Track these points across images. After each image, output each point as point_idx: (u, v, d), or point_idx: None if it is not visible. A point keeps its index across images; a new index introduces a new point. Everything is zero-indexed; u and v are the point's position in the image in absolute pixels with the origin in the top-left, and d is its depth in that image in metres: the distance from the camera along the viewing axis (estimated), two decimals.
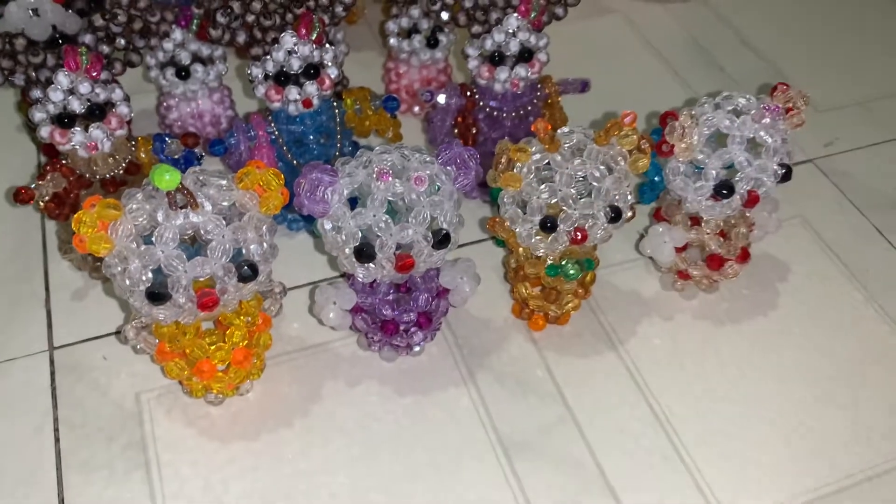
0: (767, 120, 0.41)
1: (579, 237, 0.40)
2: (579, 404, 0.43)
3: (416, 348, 0.44)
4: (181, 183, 0.33)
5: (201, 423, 0.42)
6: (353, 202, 0.38)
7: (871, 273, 0.50)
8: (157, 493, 0.39)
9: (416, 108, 0.58)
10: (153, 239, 0.34)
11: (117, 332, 0.45)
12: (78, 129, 0.42)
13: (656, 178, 0.45)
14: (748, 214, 0.46)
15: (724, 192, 0.42)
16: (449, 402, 0.43)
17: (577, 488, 0.40)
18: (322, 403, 0.43)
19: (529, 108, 0.50)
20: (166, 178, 0.32)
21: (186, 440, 0.41)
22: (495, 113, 0.49)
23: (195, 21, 0.50)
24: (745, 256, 0.47)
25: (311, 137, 0.47)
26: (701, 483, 0.40)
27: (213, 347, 0.39)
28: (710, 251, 0.46)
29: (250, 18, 0.42)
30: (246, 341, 0.39)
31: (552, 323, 0.46)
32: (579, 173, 0.39)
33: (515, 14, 0.46)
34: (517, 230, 0.41)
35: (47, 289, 0.48)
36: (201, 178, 0.36)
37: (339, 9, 0.45)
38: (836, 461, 0.41)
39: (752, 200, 0.43)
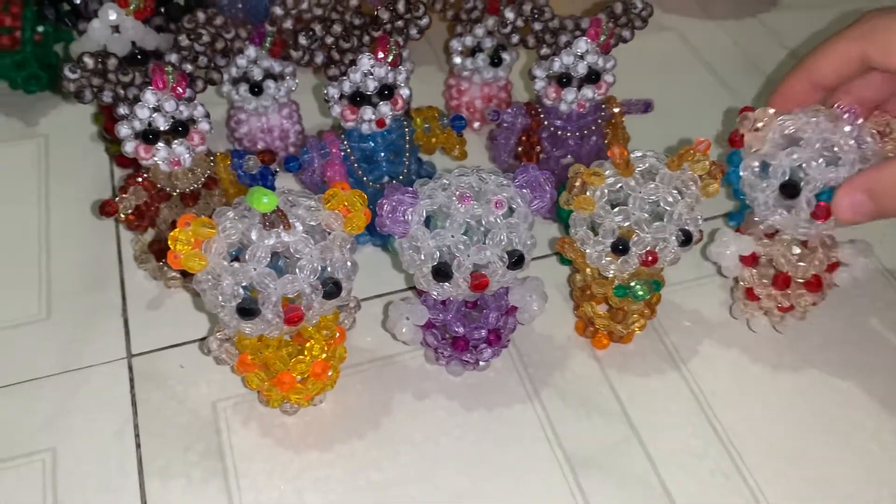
0: (850, 129, 0.40)
1: (650, 260, 0.41)
2: (643, 423, 0.44)
3: (483, 363, 0.45)
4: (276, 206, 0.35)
5: (276, 433, 0.43)
6: (427, 220, 0.40)
7: None
8: (235, 502, 0.40)
9: (476, 125, 0.59)
10: (246, 257, 0.35)
11: (202, 340, 0.46)
12: (162, 144, 0.43)
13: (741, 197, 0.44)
14: (829, 242, 0.45)
15: (791, 192, 0.40)
16: (514, 418, 0.44)
17: None
18: (391, 415, 0.44)
19: (593, 127, 0.51)
20: (264, 200, 0.34)
21: (262, 449, 0.42)
22: (559, 132, 0.50)
23: (269, 38, 0.51)
24: (815, 285, 0.45)
25: (382, 155, 0.48)
26: (762, 502, 0.41)
27: (293, 360, 0.40)
28: (778, 268, 0.45)
29: (329, 40, 0.44)
30: (325, 354, 0.41)
31: (615, 342, 0.47)
32: (651, 197, 0.40)
33: (585, 38, 0.47)
34: (587, 251, 0.42)
35: (124, 298, 0.49)
36: (291, 198, 0.37)
37: (413, 31, 0.46)
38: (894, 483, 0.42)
39: (821, 213, 0.40)
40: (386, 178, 0.49)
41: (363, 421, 0.44)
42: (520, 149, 0.52)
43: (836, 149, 0.40)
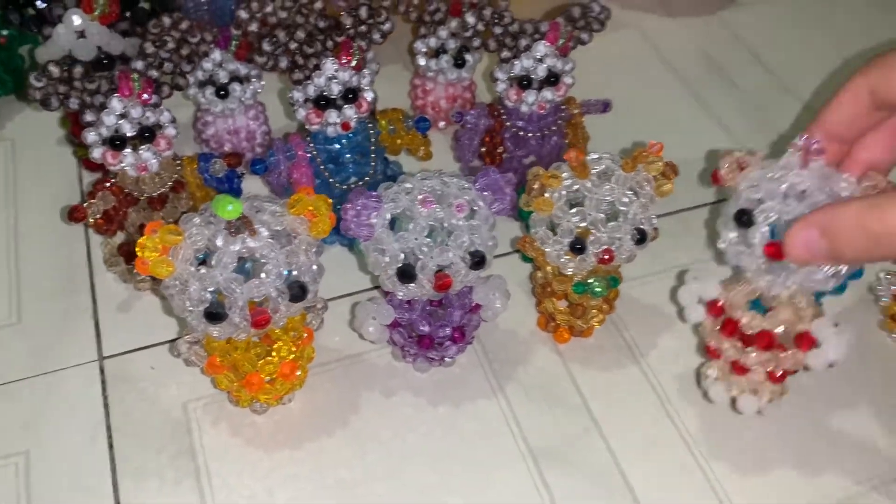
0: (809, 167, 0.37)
1: (607, 258, 0.42)
2: (604, 415, 0.45)
3: (449, 360, 0.46)
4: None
5: (246, 432, 0.44)
6: (392, 221, 0.41)
7: None
8: (207, 501, 0.41)
9: (441, 124, 0.60)
10: (213, 263, 0.36)
11: (172, 342, 0.47)
12: (129, 150, 0.44)
13: None
14: (803, 305, 0.39)
15: (745, 220, 0.37)
16: (480, 413, 0.45)
17: (603, 496, 0.42)
18: (359, 413, 0.45)
19: (553, 128, 0.52)
20: (229, 208, 0.35)
21: (232, 449, 0.43)
22: (521, 133, 0.51)
23: (234, 42, 0.51)
24: (766, 342, 0.39)
25: (348, 156, 0.49)
26: (720, 493, 0.43)
27: (261, 361, 0.41)
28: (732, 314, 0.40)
29: (293, 46, 0.44)
30: (293, 355, 0.42)
31: (576, 336, 0.49)
32: (607, 198, 0.42)
33: (544, 41, 0.48)
34: (547, 250, 0.44)
35: (94, 301, 0.50)
36: (256, 204, 0.38)
37: (376, 35, 0.46)
38: (843, 472, 0.44)
39: (773, 250, 0.36)
40: (353, 180, 0.50)
41: (332, 419, 0.45)
42: (483, 149, 0.53)
43: (800, 186, 0.37)
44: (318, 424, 0.44)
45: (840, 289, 0.41)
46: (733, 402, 0.42)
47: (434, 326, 0.43)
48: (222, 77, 0.52)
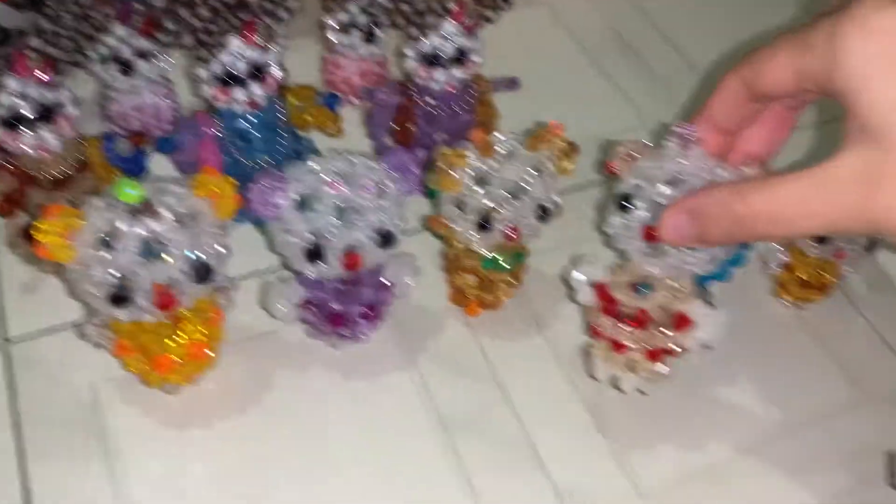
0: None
1: (512, 235, 0.44)
2: (512, 385, 0.47)
3: (362, 336, 0.47)
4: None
5: (159, 413, 0.44)
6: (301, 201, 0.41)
7: None
8: (119, 481, 0.41)
9: (356, 101, 0.60)
10: (116, 246, 0.36)
11: (77, 325, 0.46)
12: (28, 131, 0.43)
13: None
14: (678, 286, 0.41)
15: (625, 204, 0.39)
16: (393, 386, 0.47)
17: (511, 462, 0.44)
18: (273, 390, 0.46)
19: (464, 105, 0.53)
20: (129, 192, 0.34)
21: (145, 429, 0.44)
22: (432, 110, 0.52)
23: (137, 17, 0.50)
24: (641, 322, 0.42)
25: (256, 134, 0.49)
26: (620, 455, 0.45)
27: (170, 342, 0.41)
28: (626, 310, 0.42)
29: (197, 23, 0.44)
30: (201, 336, 0.42)
31: (486, 309, 0.50)
32: (511, 177, 0.43)
33: (450, 20, 0.48)
34: (455, 228, 0.45)
35: None
36: (159, 186, 0.38)
37: (282, 13, 0.46)
38: (736, 429, 0.47)
39: (647, 233, 0.39)
40: (262, 157, 0.50)
41: (245, 397, 0.45)
42: (395, 126, 0.53)
43: (679, 173, 0.38)
44: (232, 402, 0.45)
45: (720, 275, 0.44)
46: (615, 380, 0.45)
47: (345, 304, 0.44)
48: (126, 53, 0.51)
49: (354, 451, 0.44)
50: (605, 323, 0.42)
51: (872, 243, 0.49)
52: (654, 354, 0.43)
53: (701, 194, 0.36)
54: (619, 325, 0.42)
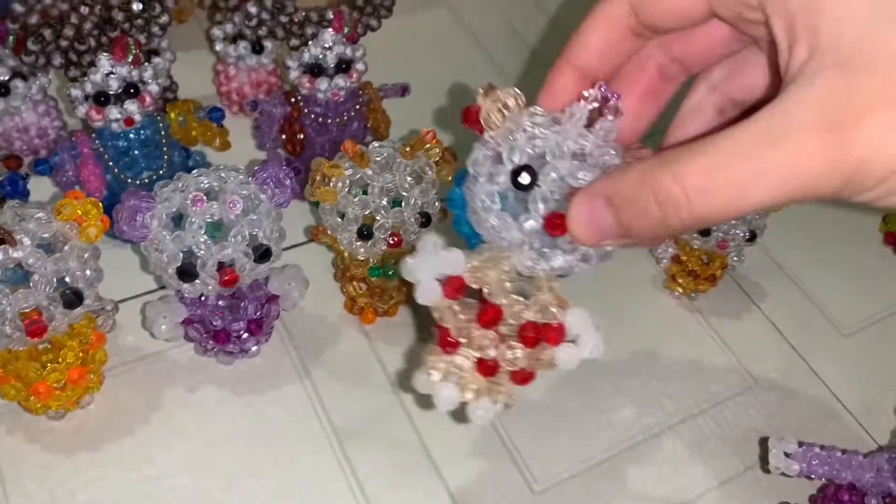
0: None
1: (395, 242, 0.44)
2: (407, 389, 0.47)
3: (253, 350, 0.46)
4: None
5: (44, 439, 0.43)
6: (179, 218, 0.41)
7: None
8: None
9: (235, 109, 0.60)
10: None
11: None
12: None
13: None
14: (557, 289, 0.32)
15: (523, 182, 0.29)
16: (285, 399, 0.46)
17: (405, 467, 0.44)
18: (162, 410, 0.45)
19: (353, 113, 0.53)
20: None
21: (30, 456, 0.43)
22: (320, 119, 0.52)
23: (10, 37, 0.49)
24: (531, 341, 0.32)
25: (137, 151, 0.48)
26: (514, 453, 0.46)
27: (48, 368, 0.40)
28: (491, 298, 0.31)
29: (63, 43, 0.43)
30: (80, 360, 0.41)
31: (381, 316, 0.50)
32: (389, 185, 0.43)
33: (329, 29, 0.48)
34: (338, 237, 0.45)
35: None
36: (19, 212, 0.37)
37: (155, 29, 0.46)
38: (629, 421, 0.48)
39: (555, 222, 0.29)
40: (145, 174, 0.49)
41: (133, 418, 0.45)
42: (283, 136, 0.53)
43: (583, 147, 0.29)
44: (120, 425, 0.44)
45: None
46: (462, 406, 0.33)
47: (228, 320, 0.44)
48: (2, 74, 0.50)
49: (245, 465, 0.43)
50: (476, 333, 0.32)
51: (753, 234, 0.50)
52: (523, 377, 0.33)
53: (617, 174, 0.27)
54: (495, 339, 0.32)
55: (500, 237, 0.30)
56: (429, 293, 0.31)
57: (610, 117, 0.28)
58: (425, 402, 0.45)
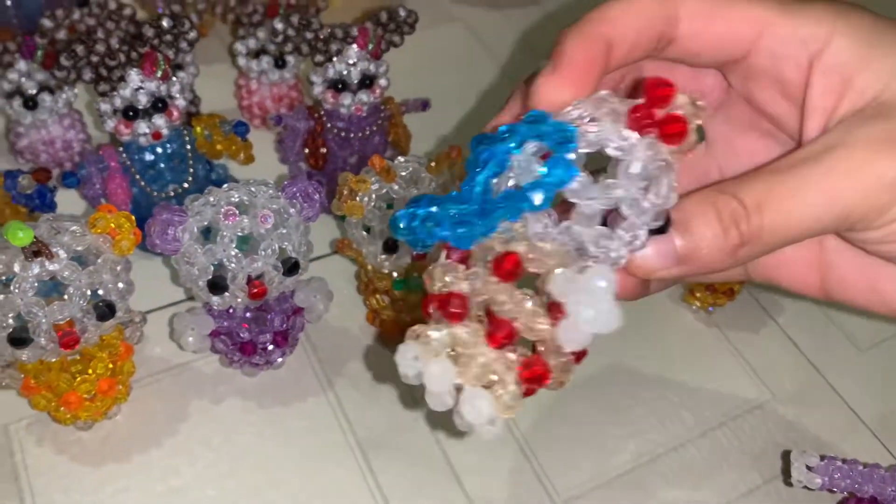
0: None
1: (419, 255, 0.44)
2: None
3: (276, 363, 0.47)
4: (35, 237, 0.35)
5: (72, 449, 0.44)
6: (207, 230, 0.41)
7: None
8: None
9: (268, 124, 0.61)
10: (12, 288, 0.36)
11: None
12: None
13: None
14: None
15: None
16: (309, 410, 0.47)
17: (426, 477, 0.45)
18: (188, 421, 0.46)
19: (375, 127, 0.53)
20: (19, 235, 0.34)
21: (58, 466, 0.43)
22: (343, 133, 0.53)
23: (39, 51, 0.50)
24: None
25: (163, 165, 0.49)
26: (535, 464, 0.46)
27: (78, 379, 0.41)
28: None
29: (94, 59, 0.44)
30: (110, 371, 0.42)
31: (403, 328, 0.51)
32: None
33: (354, 46, 0.49)
34: (364, 251, 0.45)
35: None
36: (55, 225, 0.38)
37: (183, 45, 0.46)
38: (649, 435, 0.48)
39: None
40: (171, 187, 0.50)
41: (160, 429, 0.45)
42: (307, 150, 0.54)
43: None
44: (147, 435, 0.45)
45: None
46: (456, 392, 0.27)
47: (255, 332, 0.44)
48: (30, 88, 0.51)
49: (270, 477, 0.44)
50: (502, 297, 0.25)
51: None
52: (537, 374, 0.26)
53: (681, 204, 0.26)
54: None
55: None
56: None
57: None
58: (445, 415, 0.46)
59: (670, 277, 0.27)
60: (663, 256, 0.26)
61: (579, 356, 0.26)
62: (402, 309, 0.49)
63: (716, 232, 0.26)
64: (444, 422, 0.47)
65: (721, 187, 0.26)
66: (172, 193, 0.50)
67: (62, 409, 0.42)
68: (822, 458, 0.41)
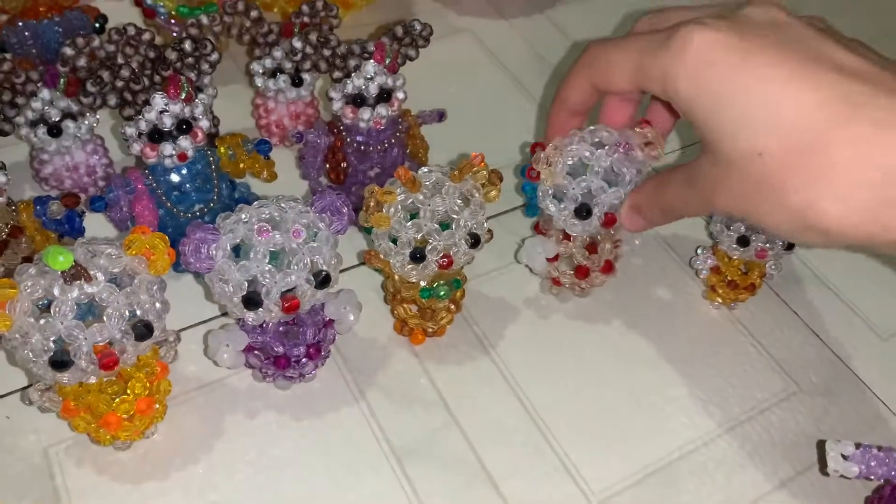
0: (620, 154, 0.47)
1: (446, 264, 0.45)
2: (460, 408, 0.48)
3: (309, 375, 0.48)
4: (73, 260, 0.36)
5: (112, 469, 0.44)
6: (237, 248, 0.42)
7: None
8: None
9: (287, 142, 0.61)
10: (52, 311, 0.37)
11: (24, 388, 0.46)
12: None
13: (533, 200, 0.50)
14: (612, 232, 0.51)
15: (584, 214, 0.48)
16: (343, 421, 0.47)
17: (463, 483, 0.45)
18: (224, 437, 0.46)
19: (393, 140, 0.54)
20: (59, 259, 0.35)
21: (99, 487, 0.44)
22: (362, 147, 0.53)
23: (62, 80, 0.51)
24: (608, 268, 0.52)
25: (189, 185, 0.50)
26: (569, 466, 0.46)
27: (117, 400, 0.41)
28: (578, 262, 0.52)
29: (119, 84, 0.45)
30: (147, 391, 0.42)
31: (430, 336, 0.51)
32: (440, 208, 0.44)
33: (371, 61, 0.50)
34: (391, 261, 0.46)
35: None
36: (91, 248, 0.38)
37: (205, 66, 0.47)
38: (679, 431, 0.48)
39: (609, 221, 0.49)
40: (197, 207, 0.50)
41: (197, 446, 0.46)
42: (327, 165, 0.54)
43: (615, 171, 0.48)
44: (184, 453, 0.45)
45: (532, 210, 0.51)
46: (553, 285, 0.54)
47: (288, 346, 0.45)
48: (53, 115, 0.51)
49: (308, 488, 0.44)
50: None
51: (791, 243, 0.51)
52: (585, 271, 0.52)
53: (637, 192, 0.48)
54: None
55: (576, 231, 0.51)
56: (542, 267, 0.53)
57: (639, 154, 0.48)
58: (477, 419, 0.46)
59: (633, 228, 0.49)
60: (637, 226, 0.49)
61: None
62: (430, 317, 0.50)
63: (628, 213, 0.49)
64: (477, 426, 0.47)
65: (638, 189, 0.48)
66: (198, 212, 0.50)
67: (101, 430, 0.42)
68: (858, 446, 0.42)
